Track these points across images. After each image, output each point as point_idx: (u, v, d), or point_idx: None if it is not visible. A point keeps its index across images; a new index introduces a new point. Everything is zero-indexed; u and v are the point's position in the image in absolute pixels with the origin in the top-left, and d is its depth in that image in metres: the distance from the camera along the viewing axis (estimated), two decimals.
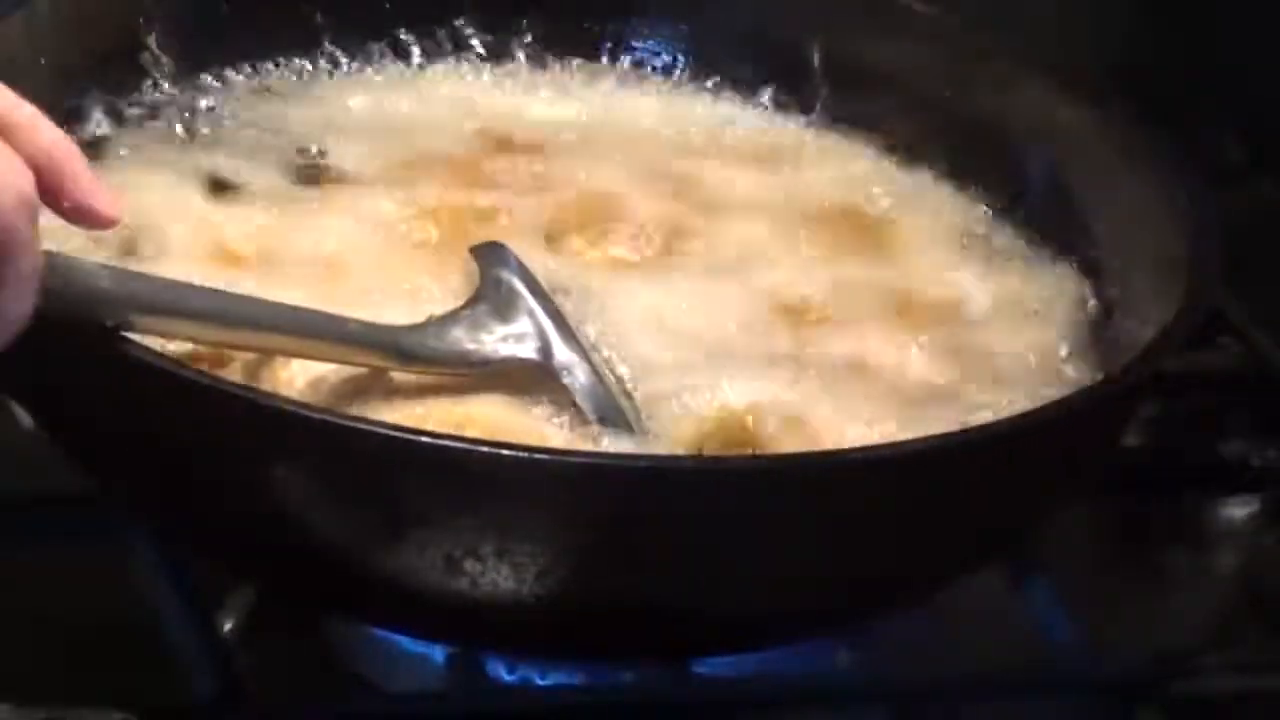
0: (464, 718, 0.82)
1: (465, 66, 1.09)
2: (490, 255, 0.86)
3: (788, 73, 1.08)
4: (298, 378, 0.80)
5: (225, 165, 0.96)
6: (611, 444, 0.79)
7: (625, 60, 1.10)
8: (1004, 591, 0.89)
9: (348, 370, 0.80)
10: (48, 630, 0.85)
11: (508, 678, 0.82)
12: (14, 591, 0.86)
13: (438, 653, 0.83)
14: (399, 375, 0.80)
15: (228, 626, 0.84)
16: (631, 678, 0.82)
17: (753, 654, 0.82)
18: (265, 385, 0.79)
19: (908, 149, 1.05)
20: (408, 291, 0.87)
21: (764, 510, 0.71)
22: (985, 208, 1.02)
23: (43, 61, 0.90)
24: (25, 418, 0.83)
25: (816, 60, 1.08)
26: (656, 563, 0.72)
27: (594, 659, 0.81)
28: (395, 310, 0.83)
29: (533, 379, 0.81)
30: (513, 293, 0.84)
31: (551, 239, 0.94)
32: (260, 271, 0.88)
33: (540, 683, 0.82)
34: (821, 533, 0.73)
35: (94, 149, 0.94)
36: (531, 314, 0.83)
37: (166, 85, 1.00)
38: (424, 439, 0.69)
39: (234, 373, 0.79)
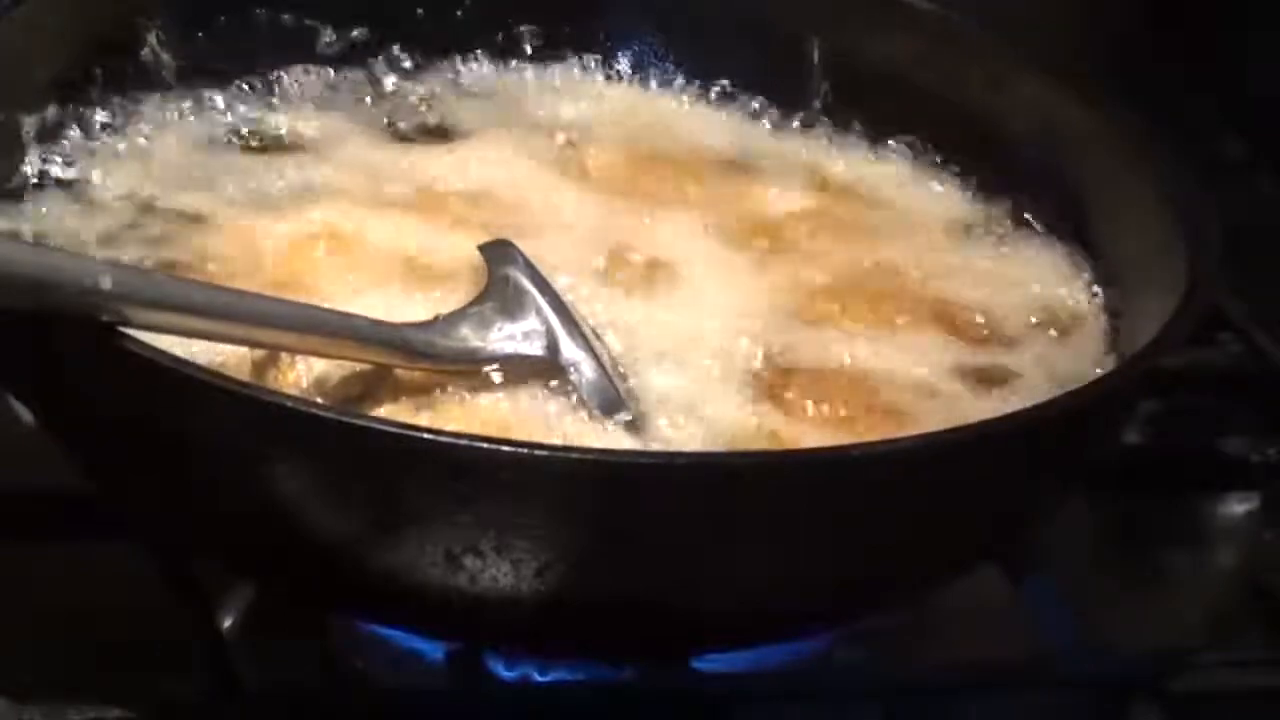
0: (463, 715, 0.82)
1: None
2: (498, 253, 0.86)
3: None
4: (304, 376, 0.80)
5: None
6: (617, 440, 0.80)
7: None
8: (1003, 589, 0.89)
9: (354, 368, 0.80)
10: (48, 629, 0.85)
11: (507, 675, 0.82)
12: (14, 590, 0.86)
13: (437, 650, 0.83)
14: (405, 373, 0.80)
15: (227, 626, 0.84)
16: (631, 674, 0.82)
17: (752, 650, 0.83)
18: (271, 382, 0.79)
19: (909, 147, 1.05)
20: None
21: (763, 508, 0.71)
22: (983, 206, 1.02)
23: (42, 58, 0.90)
24: (25, 415, 0.83)
25: None
26: (656, 559, 0.72)
27: (593, 656, 0.81)
28: None
29: (540, 376, 0.81)
30: (520, 290, 0.83)
31: None
32: None
33: (539, 680, 0.82)
34: (820, 530, 0.73)
35: (94, 142, 0.94)
36: (539, 311, 0.83)
37: (167, 81, 1.00)
38: (425, 435, 0.69)
39: (242, 370, 0.79)
